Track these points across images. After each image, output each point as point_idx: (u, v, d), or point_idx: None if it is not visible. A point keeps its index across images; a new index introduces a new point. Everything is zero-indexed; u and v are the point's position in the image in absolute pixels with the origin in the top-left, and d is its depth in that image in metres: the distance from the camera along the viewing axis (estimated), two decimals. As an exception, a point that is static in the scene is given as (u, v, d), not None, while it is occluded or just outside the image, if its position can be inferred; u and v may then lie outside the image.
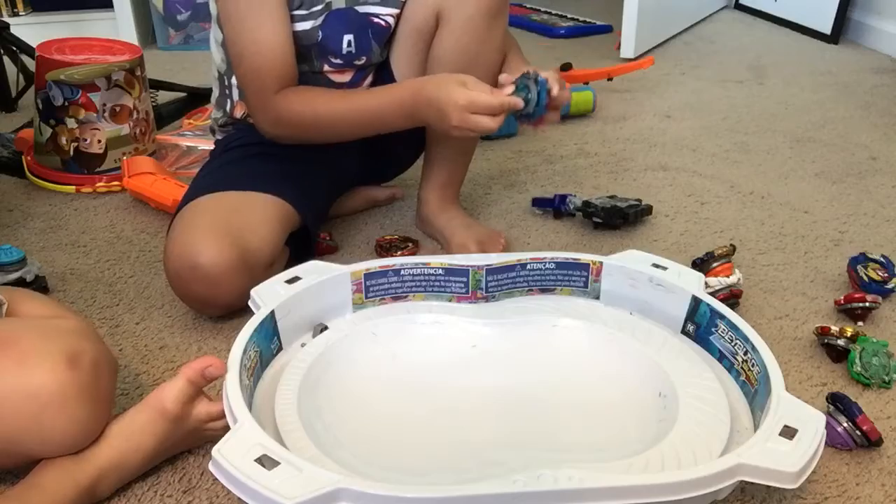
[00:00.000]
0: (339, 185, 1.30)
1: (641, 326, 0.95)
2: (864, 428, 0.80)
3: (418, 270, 1.00)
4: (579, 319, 0.97)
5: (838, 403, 0.83)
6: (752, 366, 0.83)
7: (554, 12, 3.06)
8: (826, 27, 2.67)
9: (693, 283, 0.95)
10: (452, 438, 0.82)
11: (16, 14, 2.63)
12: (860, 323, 1.04)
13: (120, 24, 2.59)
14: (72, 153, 1.45)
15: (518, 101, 0.98)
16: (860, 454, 0.82)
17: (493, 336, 0.96)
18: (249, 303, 0.94)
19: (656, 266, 0.99)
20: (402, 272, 1.00)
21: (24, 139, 1.55)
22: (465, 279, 1.00)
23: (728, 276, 1.09)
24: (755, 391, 0.82)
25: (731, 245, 1.19)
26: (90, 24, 2.57)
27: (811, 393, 0.91)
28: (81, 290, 1.14)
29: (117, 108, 1.45)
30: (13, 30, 1.92)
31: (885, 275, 1.10)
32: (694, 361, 0.88)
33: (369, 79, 1.21)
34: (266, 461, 0.67)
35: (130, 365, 0.97)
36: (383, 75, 1.20)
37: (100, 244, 1.27)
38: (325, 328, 0.97)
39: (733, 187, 1.49)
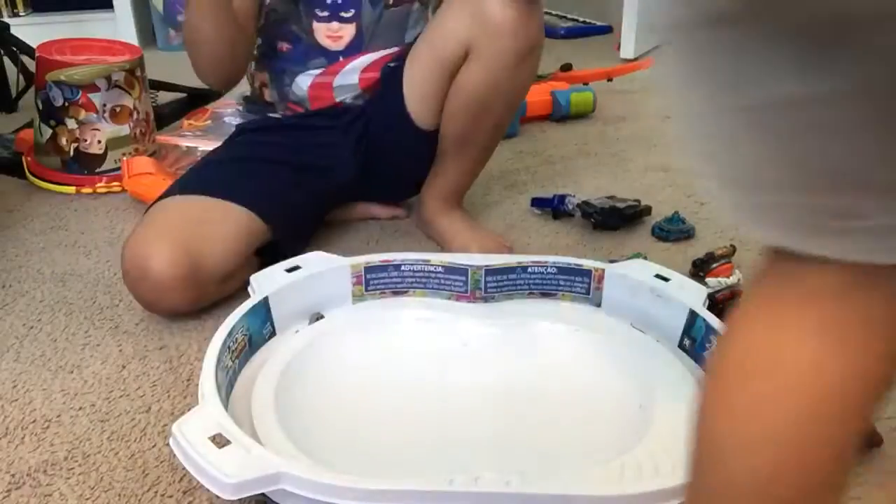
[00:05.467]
0: (330, 202, 1.29)
1: (636, 337, 0.95)
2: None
3: (419, 267, 1.01)
4: (574, 326, 0.96)
5: (838, 404, 0.83)
6: None
7: (554, 12, 3.06)
8: (826, 27, 2.66)
9: (693, 297, 0.94)
10: (428, 435, 0.83)
11: (16, 14, 2.62)
12: (860, 323, 1.04)
13: (120, 25, 2.59)
14: (72, 154, 1.45)
15: None
16: (860, 454, 0.82)
17: (486, 336, 0.96)
18: (248, 289, 0.95)
19: (659, 277, 0.98)
20: (403, 268, 1.01)
21: (24, 139, 1.55)
22: (464, 278, 1.00)
23: (728, 277, 1.09)
24: None
25: (731, 245, 1.19)
26: (90, 25, 2.57)
27: (811, 393, 0.91)
28: (81, 291, 1.14)
29: (117, 109, 1.45)
30: (13, 30, 1.92)
31: (885, 275, 1.10)
32: (682, 376, 0.86)
33: (365, 58, 1.20)
34: (219, 440, 0.68)
35: (130, 365, 0.97)
36: (392, 88, 1.19)
37: (100, 244, 1.27)
38: (322, 317, 0.97)
39: (733, 188, 1.49)
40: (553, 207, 1.35)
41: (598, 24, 2.88)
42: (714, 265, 1.12)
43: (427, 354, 0.93)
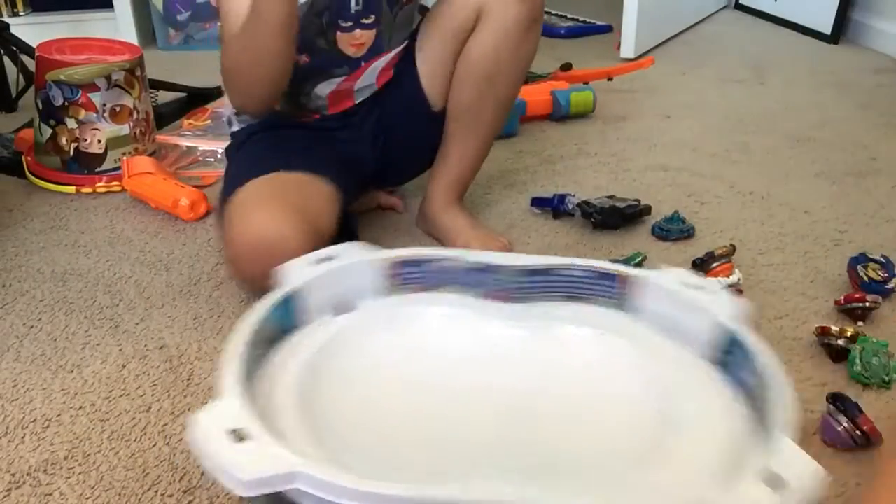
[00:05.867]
0: (356, 193, 1.28)
1: (663, 346, 0.93)
2: (865, 428, 0.80)
3: (450, 264, 1.00)
4: (600, 330, 0.95)
5: (838, 403, 0.83)
6: (763, 402, 0.81)
7: (554, 12, 3.06)
8: (826, 27, 2.67)
9: (724, 307, 0.93)
10: (447, 436, 0.82)
11: (16, 14, 2.62)
12: (860, 323, 1.04)
13: (120, 24, 2.59)
14: (72, 153, 1.45)
15: None
16: (860, 454, 0.82)
17: (511, 338, 0.95)
18: (273, 280, 0.94)
19: (690, 284, 0.97)
20: (433, 263, 0.99)
21: (24, 139, 1.55)
22: (495, 277, 0.99)
23: (728, 276, 1.09)
24: (761, 429, 0.77)
25: (731, 245, 1.19)
26: (90, 24, 2.57)
27: (811, 393, 0.91)
28: (81, 290, 1.14)
29: (117, 108, 1.45)
30: (13, 30, 1.92)
31: (885, 275, 1.10)
32: (706, 388, 0.84)
33: (383, 59, 1.20)
34: (237, 435, 0.67)
35: (130, 364, 0.97)
36: (405, 72, 1.21)
37: (100, 244, 1.27)
38: (347, 311, 0.96)
39: (733, 187, 1.49)
40: (553, 207, 1.35)
41: (598, 23, 2.88)
42: (714, 265, 1.12)
43: (451, 354, 0.92)
